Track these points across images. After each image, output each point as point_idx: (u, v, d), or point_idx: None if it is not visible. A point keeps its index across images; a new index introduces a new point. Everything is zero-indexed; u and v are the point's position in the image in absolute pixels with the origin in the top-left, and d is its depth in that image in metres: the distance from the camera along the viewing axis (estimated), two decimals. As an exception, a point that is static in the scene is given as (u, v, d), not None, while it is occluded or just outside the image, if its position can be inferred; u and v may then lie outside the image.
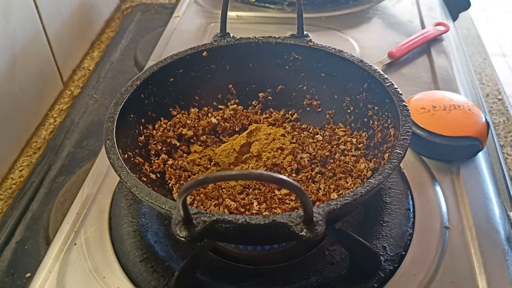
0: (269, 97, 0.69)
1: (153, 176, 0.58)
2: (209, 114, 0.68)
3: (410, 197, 0.62)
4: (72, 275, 0.55)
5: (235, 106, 0.69)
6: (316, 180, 0.60)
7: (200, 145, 0.65)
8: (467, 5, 1.07)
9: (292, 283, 0.54)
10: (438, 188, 0.63)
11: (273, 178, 0.37)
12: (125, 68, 1.02)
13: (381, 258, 0.54)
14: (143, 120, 0.61)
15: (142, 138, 0.60)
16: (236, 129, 0.67)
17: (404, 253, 0.56)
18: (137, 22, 1.18)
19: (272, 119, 0.68)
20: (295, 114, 0.69)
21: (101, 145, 0.72)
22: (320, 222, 0.40)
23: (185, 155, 0.64)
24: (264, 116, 0.69)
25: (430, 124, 0.66)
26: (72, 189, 0.72)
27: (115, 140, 0.51)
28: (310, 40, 0.64)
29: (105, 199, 0.64)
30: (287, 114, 0.69)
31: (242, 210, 0.56)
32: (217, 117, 0.67)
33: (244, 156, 0.62)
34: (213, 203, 0.57)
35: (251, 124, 0.67)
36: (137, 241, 0.58)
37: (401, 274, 0.54)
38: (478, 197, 0.62)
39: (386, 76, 0.57)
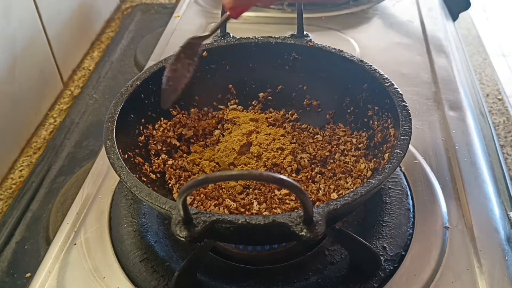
0: (269, 97, 0.69)
1: (153, 176, 0.58)
2: (209, 114, 0.68)
3: (410, 197, 0.62)
4: (72, 275, 0.55)
5: (235, 106, 0.69)
6: (316, 180, 0.60)
7: (200, 145, 0.65)
8: (467, 5, 1.07)
9: (292, 283, 0.54)
10: (438, 188, 0.63)
11: (273, 178, 0.37)
12: (125, 68, 1.02)
13: (381, 258, 0.54)
14: (143, 120, 0.61)
15: (142, 138, 0.60)
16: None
17: (404, 253, 0.56)
18: (137, 22, 1.18)
19: (272, 119, 0.68)
20: (295, 114, 0.69)
21: (101, 145, 0.72)
22: (320, 222, 0.40)
23: (185, 155, 0.64)
24: (264, 115, 0.69)
25: None
26: (72, 189, 0.72)
27: (115, 140, 0.51)
28: (310, 40, 0.64)
29: (105, 199, 0.64)
30: (287, 114, 0.69)
31: (242, 210, 0.56)
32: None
33: (244, 156, 0.62)
34: (213, 203, 0.57)
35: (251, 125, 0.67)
36: (137, 241, 0.58)
37: (401, 274, 0.54)
38: (478, 197, 0.62)
39: (386, 76, 0.57)
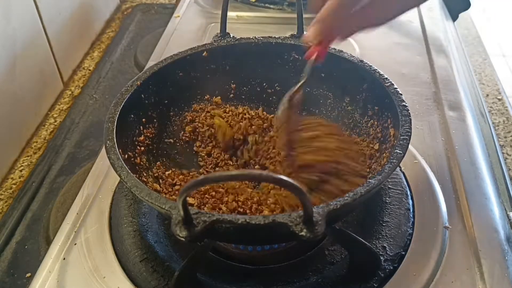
0: (270, 97, 0.69)
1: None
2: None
3: (410, 197, 0.62)
4: (72, 275, 0.55)
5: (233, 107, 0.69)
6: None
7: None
8: (467, 5, 1.07)
9: (292, 283, 0.54)
10: (438, 188, 0.63)
11: (273, 178, 0.37)
12: (125, 68, 1.02)
13: (381, 258, 0.55)
14: (143, 120, 0.61)
15: (142, 138, 0.60)
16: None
17: (404, 253, 0.56)
18: (137, 22, 1.18)
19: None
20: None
21: (101, 145, 0.72)
22: (320, 222, 0.40)
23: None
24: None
25: None
26: (72, 189, 0.72)
27: (115, 140, 0.51)
28: (310, 40, 0.64)
29: (105, 199, 0.64)
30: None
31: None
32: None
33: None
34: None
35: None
36: (137, 241, 0.58)
37: (401, 274, 0.54)
38: (478, 197, 0.62)
39: (386, 76, 0.58)
